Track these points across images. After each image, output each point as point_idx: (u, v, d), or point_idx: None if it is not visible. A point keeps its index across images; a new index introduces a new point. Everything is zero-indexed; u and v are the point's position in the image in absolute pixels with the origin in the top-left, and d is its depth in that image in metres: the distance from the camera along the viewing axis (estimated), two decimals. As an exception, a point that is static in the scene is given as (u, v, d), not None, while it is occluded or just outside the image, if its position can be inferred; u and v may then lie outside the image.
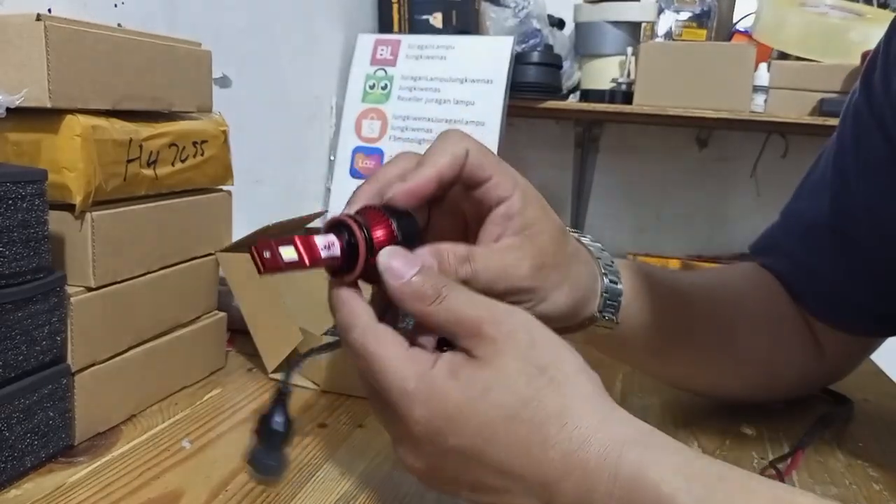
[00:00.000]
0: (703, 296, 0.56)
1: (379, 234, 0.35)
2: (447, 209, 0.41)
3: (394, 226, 0.35)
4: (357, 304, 0.35)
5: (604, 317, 0.46)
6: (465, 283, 0.36)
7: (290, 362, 0.46)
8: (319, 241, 0.35)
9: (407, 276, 0.34)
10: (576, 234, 0.47)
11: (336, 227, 0.35)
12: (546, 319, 0.40)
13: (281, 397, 0.44)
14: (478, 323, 0.33)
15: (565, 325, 0.44)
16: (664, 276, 0.54)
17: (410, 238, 0.36)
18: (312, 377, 0.61)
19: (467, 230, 0.41)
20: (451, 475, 0.34)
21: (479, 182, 0.38)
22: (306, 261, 0.34)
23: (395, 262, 0.34)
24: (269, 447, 0.42)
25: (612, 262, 0.47)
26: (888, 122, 0.52)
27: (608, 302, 0.46)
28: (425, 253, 0.36)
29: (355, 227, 0.35)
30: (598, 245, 0.47)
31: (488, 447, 0.32)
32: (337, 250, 0.35)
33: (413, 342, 0.35)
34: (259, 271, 0.34)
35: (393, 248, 0.35)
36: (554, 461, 0.32)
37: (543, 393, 0.32)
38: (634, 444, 0.31)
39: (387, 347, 0.34)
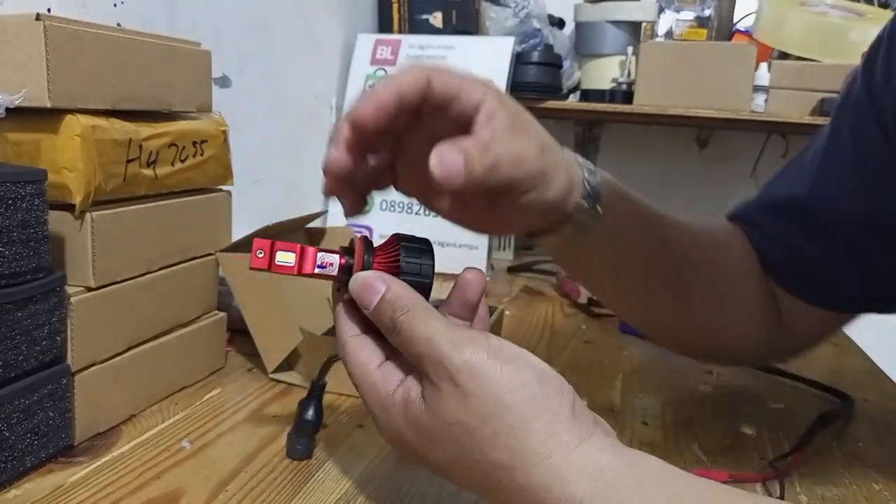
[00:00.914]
0: (674, 226, 0.55)
1: (378, 262, 0.37)
2: (428, 138, 0.40)
3: (400, 260, 0.37)
4: (343, 316, 0.38)
5: (587, 205, 0.45)
6: (492, 170, 0.36)
7: (326, 360, 0.50)
8: (321, 257, 0.37)
9: (371, 306, 0.35)
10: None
11: (349, 246, 0.38)
12: (548, 206, 0.41)
13: (315, 390, 0.50)
14: (421, 361, 0.33)
15: (557, 216, 0.44)
16: (641, 197, 0.53)
17: (416, 273, 0.37)
18: (312, 377, 0.61)
19: None
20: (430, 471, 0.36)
21: (450, 98, 0.38)
22: (295, 271, 0.37)
23: (361, 292, 0.36)
24: (298, 433, 0.50)
25: (584, 159, 0.47)
26: (887, 112, 0.51)
27: (590, 189, 0.45)
28: (447, 147, 0.36)
29: (357, 245, 0.37)
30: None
31: (451, 476, 0.34)
32: (334, 270, 0.37)
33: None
34: (251, 266, 0.37)
35: (364, 276, 0.36)
36: (515, 503, 0.32)
37: (486, 448, 0.32)
38: (592, 501, 0.30)
39: (359, 365, 0.36)
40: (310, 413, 0.50)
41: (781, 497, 0.48)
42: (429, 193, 0.42)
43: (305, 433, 0.50)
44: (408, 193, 0.43)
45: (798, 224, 0.56)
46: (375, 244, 0.38)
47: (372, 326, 0.37)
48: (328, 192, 0.39)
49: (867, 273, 0.54)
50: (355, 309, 0.37)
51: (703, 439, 0.57)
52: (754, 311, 0.58)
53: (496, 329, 0.69)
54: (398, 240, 0.37)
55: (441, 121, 0.39)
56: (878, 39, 0.54)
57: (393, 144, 0.41)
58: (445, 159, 0.35)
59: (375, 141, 0.39)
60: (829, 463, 0.54)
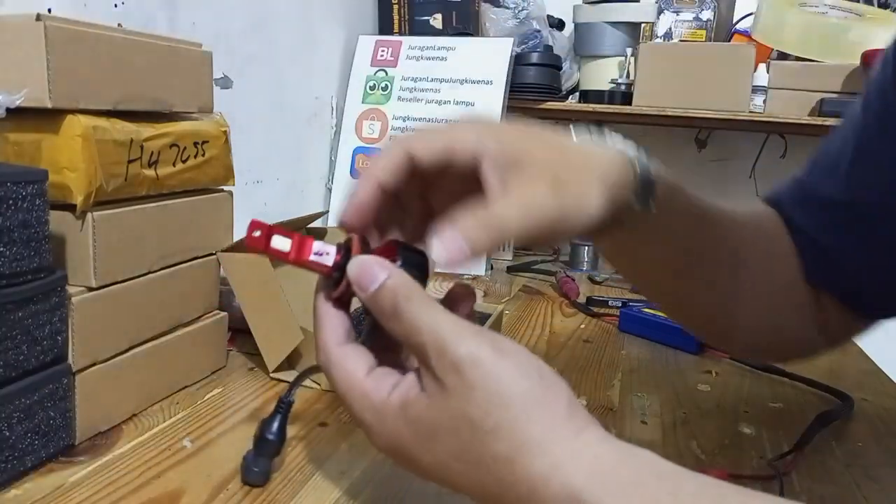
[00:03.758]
0: (724, 216, 0.53)
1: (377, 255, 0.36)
2: (445, 198, 0.40)
3: (398, 258, 0.36)
4: (327, 323, 0.36)
5: (641, 203, 0.42)
6: (499, 240, 0.36)
7: (297, 377, 0.46)
8: (317, 246, 0.36)
9: (370, 290, 0.34)
10: (593, 132, 0.44)
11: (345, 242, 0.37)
12: (588, 228, 0.39)
13: (281, 408, 0.45)
14: (424, 350, 0.32)
15: (606, 225, 0.41)
16: (692, 189, 0.50)
17: (412, 272, 0.36)
18: (313, 377, 0.61)
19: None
20: (425, 477, 0.35)
21: (445, 163, 0.37)
22: (292, 255, 0.36)
23: (361, 275, 0.35)
24: (258, 454, 0.45)
25: (639, 148, 0.44)
26: None
27: (644, 186, 0.42)
28: (448, 233, 0.35)
29: (355, 245, 0.36)
30: (620, 139, 0.44)
31: (447, 477, 0.33)
32: (329, 259, 0.36)
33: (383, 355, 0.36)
34: (245, 243, 0.36)
35: (363, 259, 0.35)
36: (510, 499, 0.31)
37: (487, 440, 0.31)
38: (592, 492, 0.30)
39: (346, 373, 0.35)
40: (272, 432, 0.46)
41: (781, 496, 0.48)
42: None
43: (266, 454, 0.46)
44: None
45: (834, 226, 0.54)
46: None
47: (353, 337, 0.36)
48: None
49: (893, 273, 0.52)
50: (340, 314, 0.37)
51: (701, 438, 0.57)
52: (804, 307, 0.56)
53: (496, 329, 0.69)
54: (396, 245, 0.37)
55: (452, 182, 0.38)
56: None
57: (418, 206, 0.40)
58: (447, 245, 0.35)
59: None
60: (828, 462, 0.54)
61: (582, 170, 0.39)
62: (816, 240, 0.56)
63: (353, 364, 0.35)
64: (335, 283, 0.37)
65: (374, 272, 0.34)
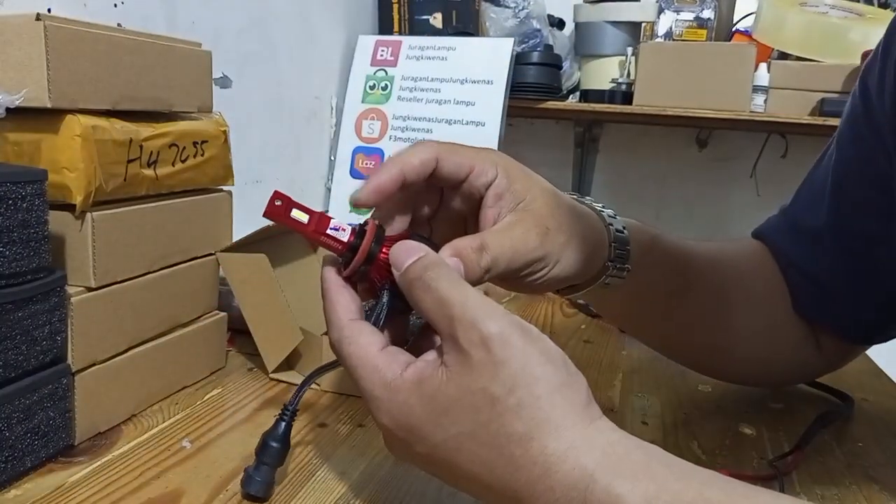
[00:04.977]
0: (705, 259, 0.56)
1: (387, 246, 0.37)
2: (446, 217, 0.43)
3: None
4: (339, 298, 0.37)
5: (615, 266, 0.47)
6: (488, 271, 0.38)
7: (302, 382, 0.45)
8: (334, 222, 0.38)
9: (405, 264, 0.35)
10: (575, 196, 0.48)
11: (361, 225, 0.38)
12: (561, 280, 0.43)
13: (285, 416, 0.45)
14: (452, 324, 0.33)
15: (580, 281, 0.45)
16: (669, 236, 0.54)
17: None
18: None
19: (467, 232, 0.42)
20: (426, 469, 0.36)
21: (461, 178, 0.40)
22: (310, 227, 0.37)
23: (400, 252, 0.36)
24: (259, 464, 0.44)
25: (615, 215, 0.48)
26: (884, 132, 0.51)
27: (618, 251, 0.46)
28: (447, 254, 0.37)
29: (370, 227, 0.37)
30: (600, 204, 0.49)
31: (455, 458, 0.33)
32: (344, 236, 0.37)
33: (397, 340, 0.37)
34: (264, 213, 0.37)
35: (404, 241, 0.37)
36: (520, 481, 0.31)
37: (506, 418, 0.31)
38: (604, 474, 0.30)
39: (359, 348, 0.35)
40: (276, 442, 0.44)
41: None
42: None
43: (270, 464, 0.44)
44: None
45: (820, 258, 0.56)
46: None
47: (363, 315, 0.37)
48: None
49: (882, 300, 0.55)
50: (351, 291, 0.38)
51: (702, 439, 0.57)
52: (798, 336, 0.59)
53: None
54: (412, 235, 0.38)
55: (456, 199, 0.42)
56: (874, 54, 0.53)
57: (429, 201, 0.43)
58: (398, 255, 0.36)
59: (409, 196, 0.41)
60: (828, 463, 0.54)
61: (567, 225, 0.42)
62: (806, 271, 0.57)
63: (367, 339, 0.35)
64: (346, 263, 0.37)
65: (410, 250, 0.36)
